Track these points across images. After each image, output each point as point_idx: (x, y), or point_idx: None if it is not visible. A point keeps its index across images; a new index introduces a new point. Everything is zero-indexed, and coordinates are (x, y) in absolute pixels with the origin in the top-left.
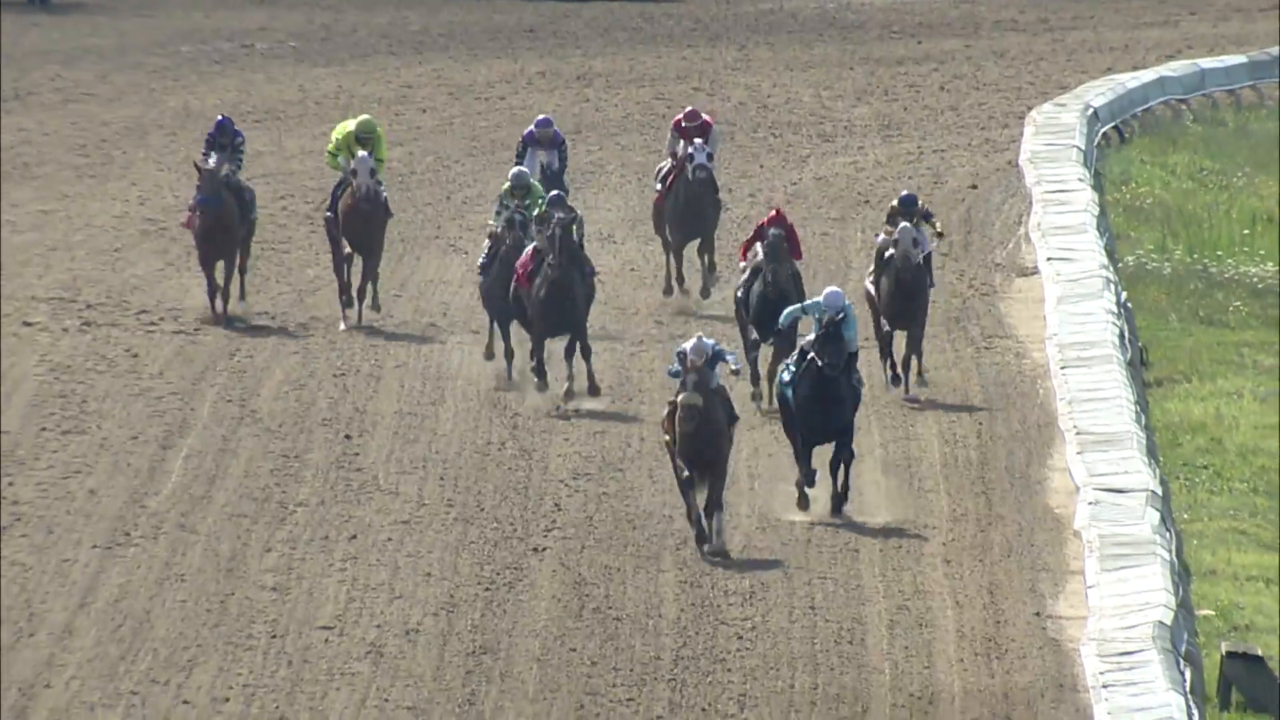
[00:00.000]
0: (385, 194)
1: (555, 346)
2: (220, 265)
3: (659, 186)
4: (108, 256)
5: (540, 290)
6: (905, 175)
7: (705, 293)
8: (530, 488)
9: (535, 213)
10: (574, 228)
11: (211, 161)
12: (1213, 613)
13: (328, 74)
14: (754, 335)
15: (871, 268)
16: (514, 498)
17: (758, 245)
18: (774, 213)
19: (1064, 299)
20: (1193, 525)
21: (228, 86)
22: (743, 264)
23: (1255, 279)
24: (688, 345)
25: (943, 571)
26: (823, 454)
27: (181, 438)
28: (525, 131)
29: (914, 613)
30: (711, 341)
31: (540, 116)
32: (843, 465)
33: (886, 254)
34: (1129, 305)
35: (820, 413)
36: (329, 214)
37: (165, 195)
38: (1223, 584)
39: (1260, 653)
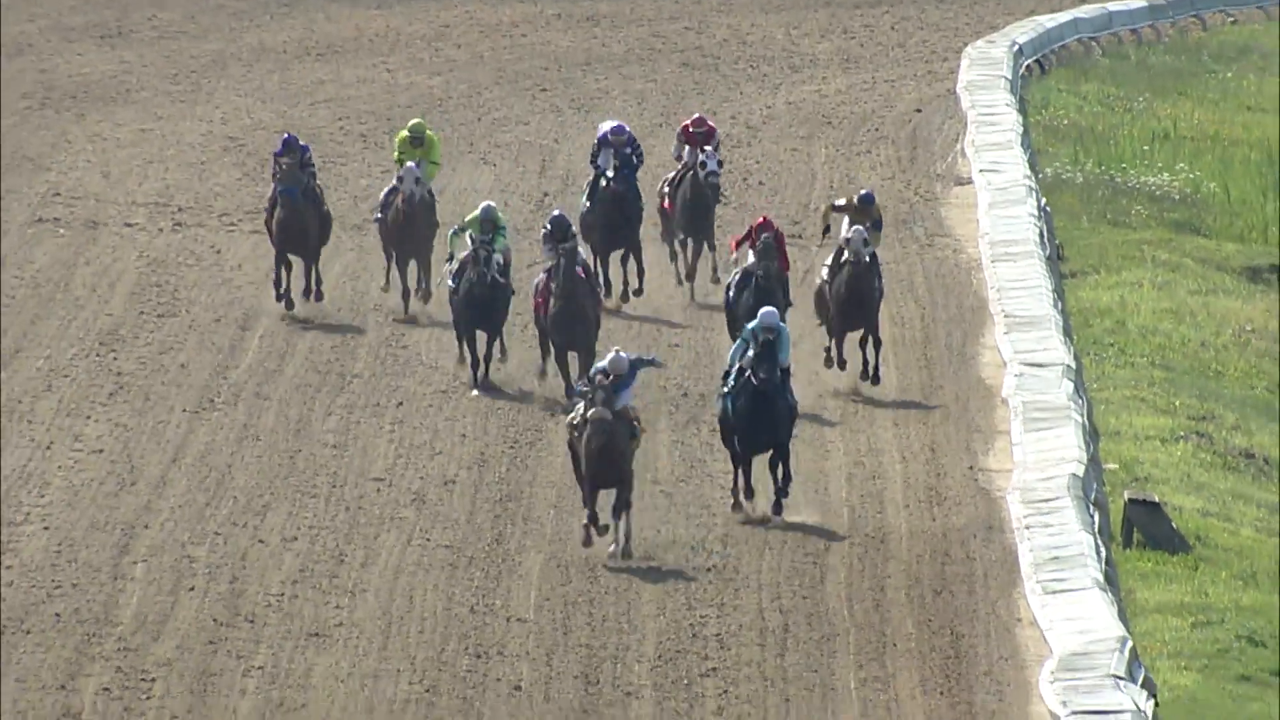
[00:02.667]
0: (433, 197)
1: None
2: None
3: (665, 190)
4: (195, 168)
5: (553, 310)
6: (861, 100)
7: (715, 278)
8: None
9: (502, 243)
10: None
11: (287, 163)
12: (1117, 466)
13: (379, 14)
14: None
15: (825, 269)
16: (535, 372)
17: (748, 247)
18: (762, 220)
19: (994, 204)
20: (1101, 393)
21: (294, 25)
22: (733, 255)
23: (1154, 187)
24: (604, 362)
25: (892, 432)
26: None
27: (257, 320)
28: (600, 134)
29: (868, 467)
30: (628, 355)
31: (615, 124)
32: (780, 465)
33: (842, 258)
34: (1048, 209)
35: (755, 427)
36: (379, 217)
37: (243, 117)
38: (1126, 443)
39: (1157, 499)
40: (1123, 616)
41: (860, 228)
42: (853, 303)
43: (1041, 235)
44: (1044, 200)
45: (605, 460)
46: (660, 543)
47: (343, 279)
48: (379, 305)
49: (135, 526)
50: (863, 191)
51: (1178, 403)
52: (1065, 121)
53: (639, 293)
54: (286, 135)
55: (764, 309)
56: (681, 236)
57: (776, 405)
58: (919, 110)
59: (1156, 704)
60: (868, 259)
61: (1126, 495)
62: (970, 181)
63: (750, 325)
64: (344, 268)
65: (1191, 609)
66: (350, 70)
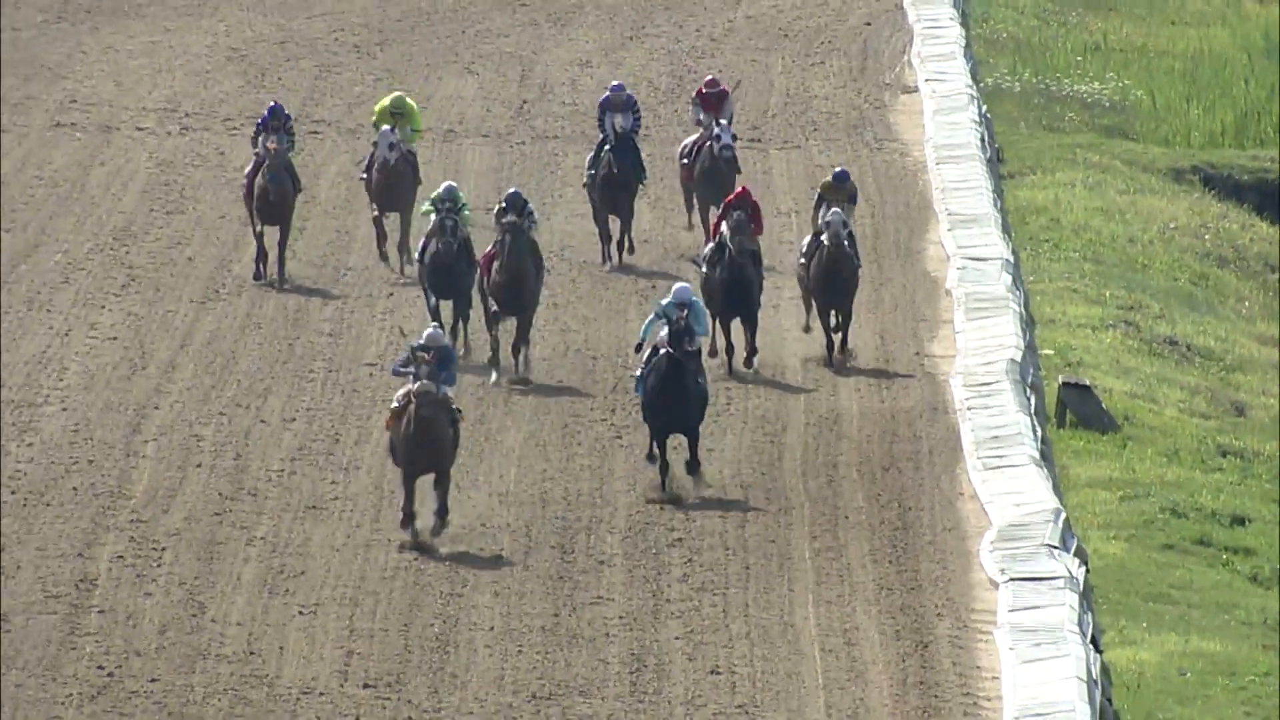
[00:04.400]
0: (414, 157)
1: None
2: (272, 234)
3: (684, 161)
4: (200, 77)
5: (496, 279)
6: (815, 14)
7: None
8: None
9: (466, 212)
10: (526, 230)
11: (272, 142)
12: (1052, 352)
13: None
14: (721, 310)
15: (803, 249)
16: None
17: (723, 224)
18: (741, 190)
19: (938, 111)
20: (1037, 285)
21: None
22: (714, 239)
23: (1086, 95)
24: (423, 337)
25: None
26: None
27: None
28: (602, 98)
29: (822, 352)
30: (442, 334)
31: (614, 83)
32: (691, 448)
33: (820, 237)
34: (988, 116)
35: (666, 405)
36: (364, 175)
37: (245, 30)
38: (1060, 330)
39: (1088, 383)
40: (1057, 491)
41: (838, 210)
42: (831, 285)
43: (982, 140)
44: (984, 107)
45: (426, 442)
46: (632, 424)
47: (338, 179)
48: (373, 205)
49: (146, 407)
50: (837, 169)
51: (1107, 294)
52: (1004, 34)
53: (630, 250)
54: (273, 104)
55: (678, 284)
56: (699, 203)
57: (689, 384)
58: (869, 24)
59: (1088, 570)
60: (845, 241)
61: (1060, 379)
62: (916, 90)
63: (664, 302)
64: (339, 169)
65: (1120, 483)
66: None
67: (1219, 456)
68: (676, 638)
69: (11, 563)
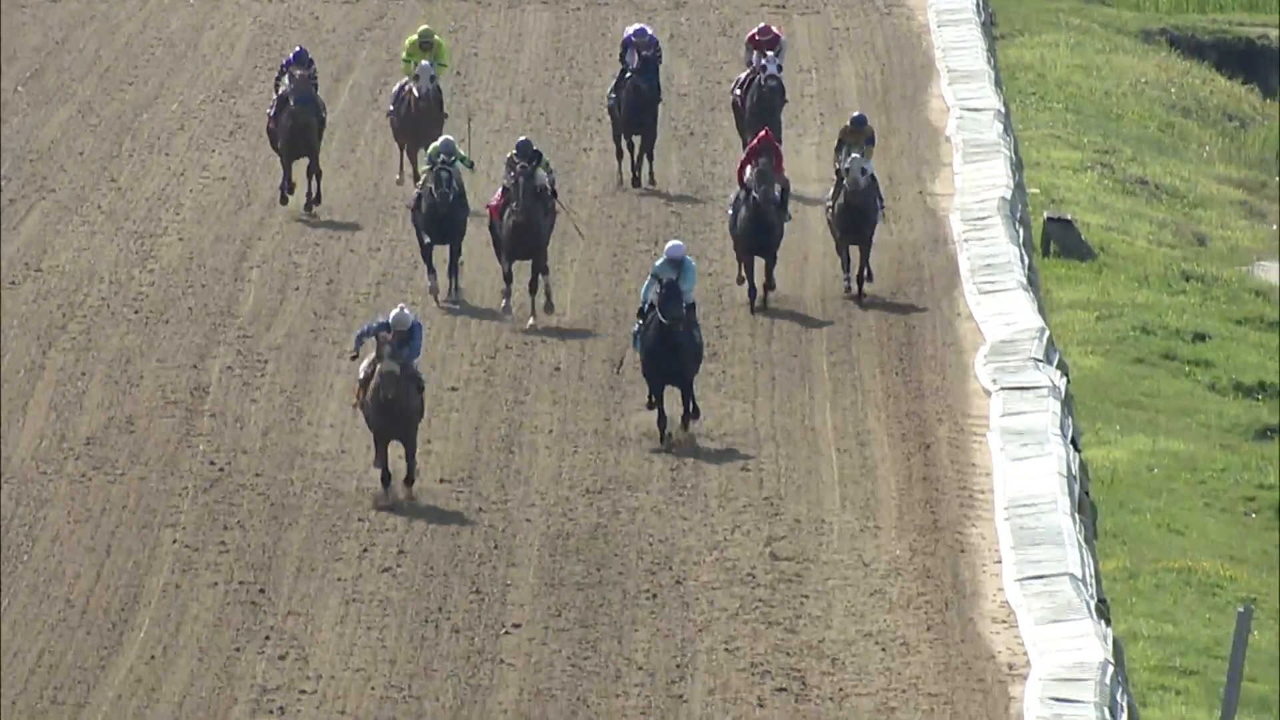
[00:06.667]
0: (441, 94)
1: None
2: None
3: (737, 92)
4: None
5: (508, 223)
6: None
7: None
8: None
9: (461, 163)
10: (537, 173)
11: (300, 70)
12: (1038, 190)
13: None
14: (745, 248)
15: (830, 192)
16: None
17: (747, 170)
18: (765, 132)
19: None
20: (1025, 132)
21: None
22: (740, 184)
23: None
24: (390, 316)
25: None
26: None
27: (349, 73)
28: (625, 37)
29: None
30: (411, 313)
31: (638, 26)
32: (687, 399)
33: (842, 180)
34: None
35: (663, 360)
36: (391, 111)
37: None
38: (1044, 172)
39: (1070, 217)
40: (1042, 312)
41: (857, 155)
42: (851, 222)
43: (977, 5)
44: None
45: (393, 413)
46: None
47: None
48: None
49: (251, 238)
50: (855, 114)
51: (1086, 140)
52: None
53: (651, 180)
54: (299, 48)
55: (670, 243)
56: (750, 129)
57: (682, 342)
58: None
59: (1068, 381)
60: (864, 184)
61: (1045, 214)
62: None
63: (657, 263)
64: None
65: (1096, 305)
66: None
67: (1183, 281)
68: (711, 439)
69: (135, 373)
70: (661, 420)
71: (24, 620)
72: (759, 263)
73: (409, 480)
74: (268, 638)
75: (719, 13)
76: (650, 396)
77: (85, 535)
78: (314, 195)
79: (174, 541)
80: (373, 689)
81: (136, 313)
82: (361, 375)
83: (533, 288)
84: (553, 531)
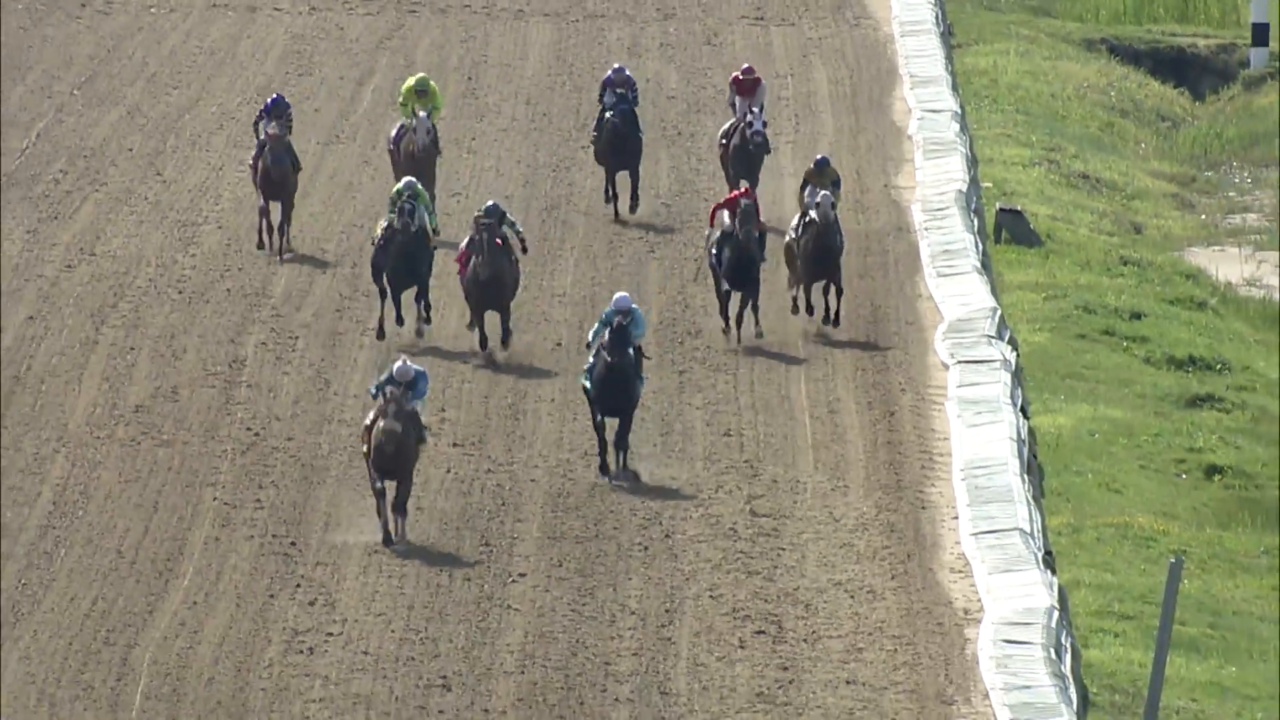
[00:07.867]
0: (437, 135)
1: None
2: (274, 209)
3: (723, 142)
4: None
5: (473, 276)
6: None
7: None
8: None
9: (425, 205)
10: (500, 227)
11: (272, 128)
12: (991, 184)
13: None
14: (725, 286)
15: (794, 227)
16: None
17: (725, 213)
18: (745, 189)
19: None
20: (979, 131)
21: None
22: (711, 226)
23: None
24: (393, 370)
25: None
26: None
27: (371, 77)
28: (605, 77)
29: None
30: (415, 366)
31: (616, 65)
32: (623, 434)
33: (807, 218)
34: None
35: (605, 397)
36: (391, 147)
37: None
38: (997, 167)
39: (1019, 208)
40: (994, 293)
41: (825, 192)
42: (820, 258)
43: (937, 17)
44: None
45: (393, 464)
46: (664, 240)
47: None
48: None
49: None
50: (818, 157)
51: (1034, 138)
52: None
53: (634, 209)
54: (276, 95)
55: (618, 295)
56: (733, 179)
57: (628, 382)
58: None
59: (1018, 355)
60: (833, 219)
61: (997, 205)
62: None
63: (607, 310)
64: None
65: (1043, 287)
66: None
67: (1121, 265)
68: (697, 408)
69: (179, 347)
70: (602, 447)
71: (79, 570)
72: (735, 298)
73: (398, 508)
74: (299, 585)
75: (703, 23)
76: (598, 435)
77: (134, 494)
78: (285, 242)
79: (214, 499)
80: (393, 631)
81: (180, 293)
82: (368, 422)
83: (504, 340)
84: (554, 490)
